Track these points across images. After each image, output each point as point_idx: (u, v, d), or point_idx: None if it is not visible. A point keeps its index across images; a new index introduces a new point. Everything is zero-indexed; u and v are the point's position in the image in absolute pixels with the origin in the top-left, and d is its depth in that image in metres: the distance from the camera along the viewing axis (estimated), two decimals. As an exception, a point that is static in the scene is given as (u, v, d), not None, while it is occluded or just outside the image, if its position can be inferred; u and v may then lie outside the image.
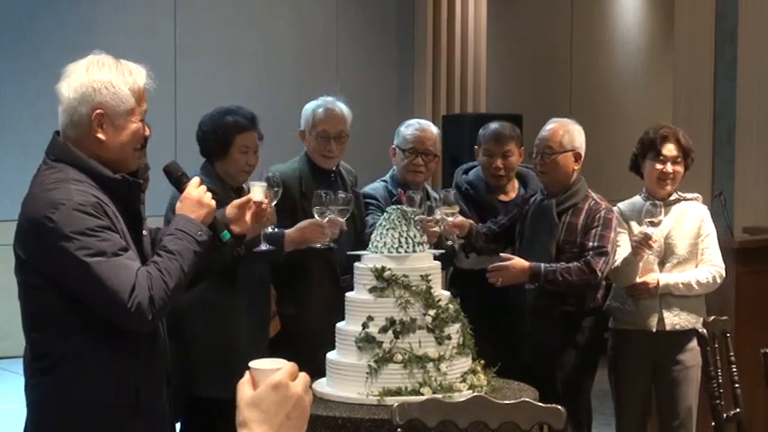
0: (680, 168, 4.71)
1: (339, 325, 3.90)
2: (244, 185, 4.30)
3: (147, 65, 2.96)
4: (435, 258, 3.95)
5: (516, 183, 5.16)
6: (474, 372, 3.86)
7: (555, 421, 3.00)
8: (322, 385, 3.86)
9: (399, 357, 3.71)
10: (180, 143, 7.82)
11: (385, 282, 3.77)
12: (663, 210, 4.53)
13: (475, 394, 3.36)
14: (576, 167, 4.71)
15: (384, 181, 4.96)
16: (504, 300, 4.73)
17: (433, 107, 9.47)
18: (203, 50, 8.74)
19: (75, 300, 2.77)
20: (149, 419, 2.92)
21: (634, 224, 4.70)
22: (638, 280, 4.64)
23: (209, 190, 3.05)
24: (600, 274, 4.53)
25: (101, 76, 2.84)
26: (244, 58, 8.92)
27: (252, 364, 1.56)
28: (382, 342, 3.73)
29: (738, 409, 4.21)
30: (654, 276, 4.65)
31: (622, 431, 4.84)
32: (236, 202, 3.20)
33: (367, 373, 3.71)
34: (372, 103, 9.02)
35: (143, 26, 8.44)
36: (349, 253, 4.16)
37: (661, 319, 4.66)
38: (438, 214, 4.48)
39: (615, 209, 4.74)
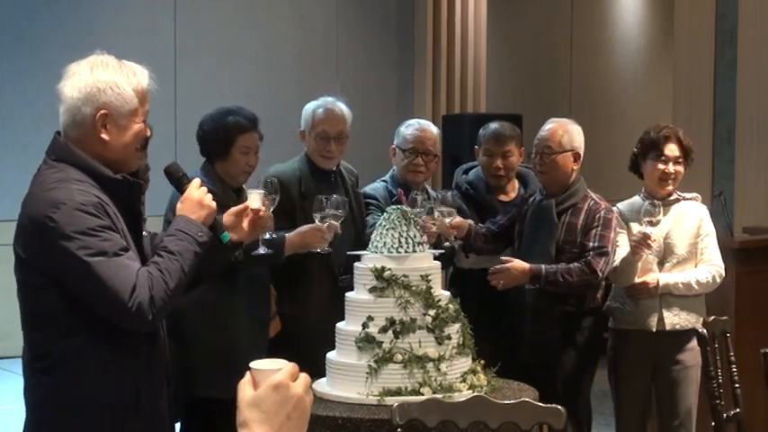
0: (681, 168, 4.72)
1: (339, 325, 3.90)
2: (244, 186, 4.31)
3: (147, 65, 2.96)
4: (435, 258, 3.96)
5: (516, 183, 5.16)
6: (474, 372, 3.87)
7: (555, 421, 3.00)
8: (322, 385, 3.86)
9: (399, 357, 3.71)
10: (180, 143, 7.82)
11: (385, 282, 3.77)
12: (661, 209, 4.54)
13: (475, 394, 3.36)
14: (575, 167, 4.71)
15: (384, 181, 4.96)
16: (504, 300, 4.73)
17: (433, 107, 9.48)
18: (203, 50, 8.74)
19: (76, 299, 2.77)
20: (149, 420, 2.92)
21: (634, 224, 4.70)
22: (638, 280, 4.64)
23: (208, 191, 3.06)
24: (601, 275, 4.54)
25: (105, 76, 2.84)
26: (244, 58, 8.92)
27: (252, 364, 1.56)
28: (382, 342, 3.73)
29: (738, 409, 4.21)
30: (654, 276, 4.65)
31: (622, 431, 4.84)
32: (233, 209, 3.21)
33: (367, 373, 3.71)
34: (372, 103, 9.03)
35: (143, 26, 8.44)
36: (349, 253, 4.16)
37: (661, 319, 4.66)
38: (436, 215, 4.48)
39: (614, 209, 4.74)
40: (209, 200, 3.00)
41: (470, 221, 4.83)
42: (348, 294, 3.92)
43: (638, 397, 4.78)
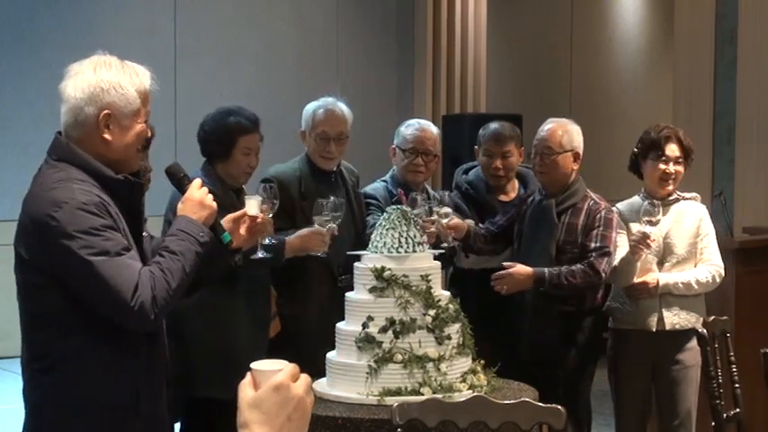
0: (681, 169, 4.72)
1: (339, 325, 3.90)
2: (244, 187, 4.31)
3: (148, 65, 2.96)
4: (435, 258, 3.96)
5: (516, 183, 5.16)
6: (474, 372, 3.87)
7: (555, 421, 3.00)
8: (322, 385, 3.86)
9: (399, 357, 3.71)
10: (180, 143, 7.81)
11: (385, 282, 3.77)
12: (661, 209, 4.54)
13: (475, 394, 3.36)
14: (574, 167, 4.71)
15: (384, 181, 4.96)
16: (504, 299, 4.72)
17: (433, 107, 9.47)
18: (203, 50, 8.73)
19: (76, 299, 2.77)
20: (149, 420, 2.92)
21: (633, 224, 4.70)
22: (638, 280, 4.65)
23: (209, 191, 3.06)
24: (604, 275, 4.54)
25: (109, 76, 2.85)
26: (244, 58, 8.92)
27: (253, 365, 1.56)
28: (382, 342, 3.73)
29: (738, 409, 4.21)
30: (653, 276, 4.65)
31: (622, 431, 4.84)
32: (231, 216, 3.22)
33: (367, 373, 3.71)
34: (372, 103, 9.02)
35: (143, 26, 8.44)
36: (349, 253, 4.16)
37: (661, 319, 4.66)
38: (434, 216, 4.48)
39: (614, 209, 4.74)
40: (210, 200, 3.00)
41: (469, 222, 4.83)
42: (348, 294, 3.92)
43: (638, 397, 4.78)
